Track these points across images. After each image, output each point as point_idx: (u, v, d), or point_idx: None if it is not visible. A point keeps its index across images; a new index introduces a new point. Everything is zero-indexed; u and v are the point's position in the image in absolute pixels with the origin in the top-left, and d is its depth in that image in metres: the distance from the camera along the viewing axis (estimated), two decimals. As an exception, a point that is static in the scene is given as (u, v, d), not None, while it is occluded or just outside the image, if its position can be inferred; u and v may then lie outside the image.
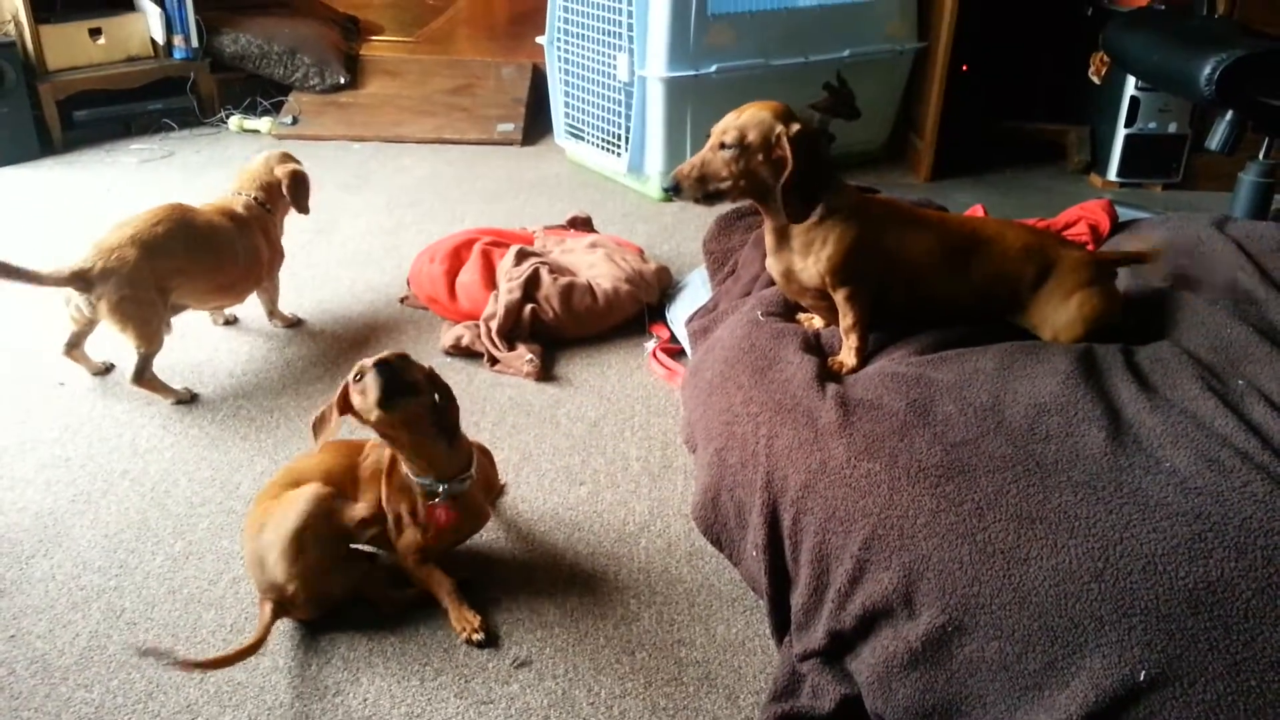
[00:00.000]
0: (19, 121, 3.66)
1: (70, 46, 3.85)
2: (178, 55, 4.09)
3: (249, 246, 2.31)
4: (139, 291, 2.06)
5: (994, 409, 1.47)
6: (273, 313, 2.53)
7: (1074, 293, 1.69)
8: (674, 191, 1.65)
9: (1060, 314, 1.70)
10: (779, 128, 1.60)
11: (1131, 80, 3.45)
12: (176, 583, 1.67)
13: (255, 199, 2.36)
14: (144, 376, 2.15)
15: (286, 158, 2.43)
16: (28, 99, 3.68)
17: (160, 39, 4.05)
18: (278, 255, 2.46)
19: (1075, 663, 1.18)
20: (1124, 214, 2.44)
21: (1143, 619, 1.16)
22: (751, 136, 1.60)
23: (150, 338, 2.12)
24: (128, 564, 1.71)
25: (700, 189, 1.64)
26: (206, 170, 3.68)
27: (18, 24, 3.68)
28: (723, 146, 1.62)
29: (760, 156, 1.61)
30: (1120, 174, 3.62)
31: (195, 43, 4.10)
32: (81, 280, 2.03)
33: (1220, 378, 1.55)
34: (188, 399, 2.20)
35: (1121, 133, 3.54)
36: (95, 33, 3.90)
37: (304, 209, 2.43)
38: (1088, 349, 1.62)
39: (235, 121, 4.14)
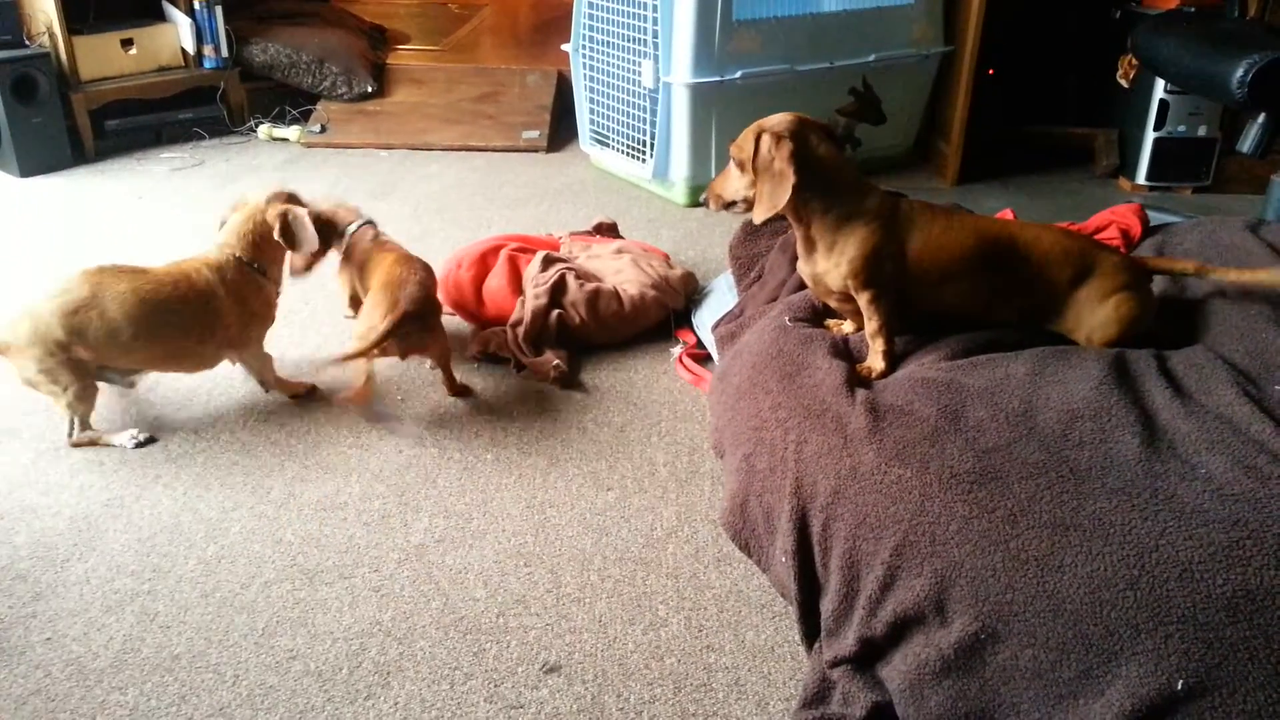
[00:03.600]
0: (52, 130, 3.72)
1: (102, 57, 3.91)
2: (208, 65, 4.15)
3: (201, 315, 2.04)
4: (40, 363, 1.95)
5: (1026, 415, 1.46)
6: (264, 383, 2.24)
7: (1111, 295, 1.68)
8: (704, 204, 1.86)
9: (1096, 315, 1.69)
10: (767, 136, 1.67)
11: (1160, 83, 3.41)
12: (209, 586, 1.69)
13: (236, 257, 2.08)
14: (75, 438, 2.07)
15: (281, 197, 2.13)
16: (60, 108, 3.73)
17: (191, 49, 4.11)
18: (256, 320, 2.15)
19: (1111, 671, 1.16)
20: (1155, 218, 2.42)
21: (1180, 627, 1.14)
22: (748, 150, 1.70)
23: (69, 405, 2.02)
24: (160, 568, 1.73)
25: (720, 202, 1.81)
26: (236, 178, 3.72)
27: (51, 35, 3.74)
28: (733, 162, 1.74)
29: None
30: (1149, 178, 3.59)
31: (225, 52, 4.15)
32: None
33: (1256, 383, 1.53)
34: (133, 446, 2.06)
35: (1150, 136, 3.51)
36: (127, 43, 3.96)
37: (297, 247, 2.11)
38: (1120, 354, 1.61)
39: (264, 130, 4.19)
